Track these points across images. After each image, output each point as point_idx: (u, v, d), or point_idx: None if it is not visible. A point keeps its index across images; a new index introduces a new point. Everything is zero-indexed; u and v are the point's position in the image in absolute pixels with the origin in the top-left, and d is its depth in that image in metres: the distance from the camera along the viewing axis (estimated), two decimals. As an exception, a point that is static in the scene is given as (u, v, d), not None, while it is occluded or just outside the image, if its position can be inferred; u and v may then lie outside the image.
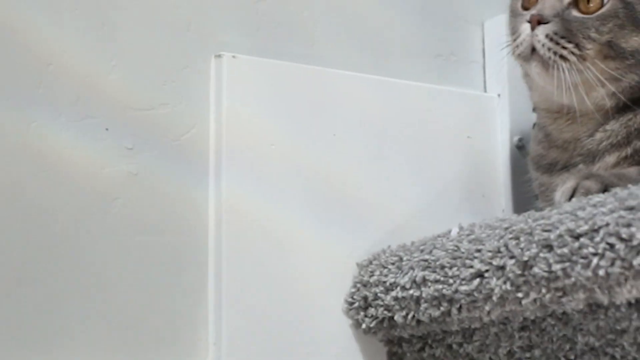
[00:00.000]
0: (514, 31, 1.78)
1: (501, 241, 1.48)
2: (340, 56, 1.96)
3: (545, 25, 1.68)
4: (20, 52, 1.62)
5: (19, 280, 1.55)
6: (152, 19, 1.77)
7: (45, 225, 1.57)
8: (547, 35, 1.67)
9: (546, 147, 1.86)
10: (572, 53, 1.66)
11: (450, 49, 2.05)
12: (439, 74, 2.02)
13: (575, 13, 1.69)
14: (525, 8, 1.78)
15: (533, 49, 1.69)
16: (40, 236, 1.57)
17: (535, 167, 1.89)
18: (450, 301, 1.56)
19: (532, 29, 1.68)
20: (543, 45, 1.67)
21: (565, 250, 1.35)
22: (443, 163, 1.97)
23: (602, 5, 1.68)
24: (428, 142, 1.95)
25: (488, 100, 2.04)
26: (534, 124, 1.92)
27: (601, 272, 1.30)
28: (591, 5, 1.68)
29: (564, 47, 1.66)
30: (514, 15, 1.82)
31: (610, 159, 1.72)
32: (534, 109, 1.89)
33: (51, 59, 1.63)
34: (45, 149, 1.59)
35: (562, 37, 1.67)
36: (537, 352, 1.55)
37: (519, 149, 2.01)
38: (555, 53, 1.66)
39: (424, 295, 1.60)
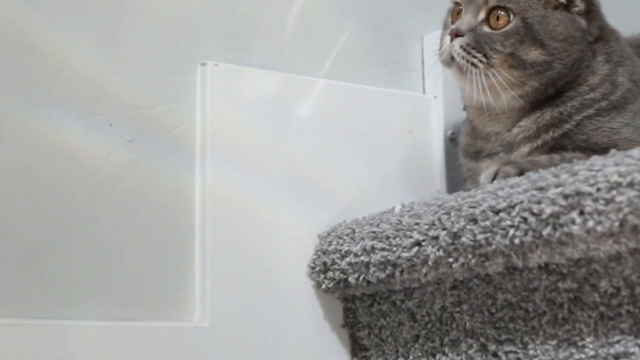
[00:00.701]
0: (441, 42, 1.80)
1: (435, 216, 1.50)
2: (305, 64, 1.95)
3: (461, 38, 1.71)
4: (38, 60, 1.62)
5: (40, 247, 1.55)
6: (149, 33, 1.76)
7: (61, 204, 1.58)
8: (461, 46, 1.70)
9: (473, 138, 1.86)
10: (481, 61, 1.68)
11: (395, 58, 2.05)
12: (386, 79, 2.02)
13: (485, 29, 1.72)
14: (453, 23, 1.80)
15: (452, 57, 1.71)
16: (56, 213, 1.57)
17: (464, 155, 1.89)
18: (394, 265, 1.57)
19: (451, 40, 1.72)
20: (458, 54, 1.70)
21: (488, 223, 1.38)
22: (389, 153, 1.97)
23: (508, 23, 1.70)
24: (377, 135, 1.96)
25: (426, 101, 2.05)
26: (464, 120, 1.92)
27: (516, 241, 1.33)
28: (500, 22, 1.71)
29: (474, 56, 1.69)
30: (444, 28, 1.84)
31: (525, 149, 1.74)
32: (464, 107, 1.89)
33: (64, 66, 1.63)
34: (59, 141, 1.59)
35: (473, 48, 1.69)
36: (465, 307, 1.55)
37: (452, 140, 2.02)
38: (467, 61, 1.69)
39: (372, 260, 1.61)
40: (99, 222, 1.63)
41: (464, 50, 1.71)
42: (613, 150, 1.42)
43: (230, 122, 1.79)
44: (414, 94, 2.08)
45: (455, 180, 2.01)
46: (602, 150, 1.61)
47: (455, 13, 1.82)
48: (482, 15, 1.75)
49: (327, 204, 1.85)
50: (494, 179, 1.60)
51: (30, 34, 1.63)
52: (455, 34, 1.73)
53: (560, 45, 1.75)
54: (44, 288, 1.56)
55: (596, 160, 1.31)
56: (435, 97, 2.09)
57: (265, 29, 1.93)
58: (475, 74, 1.69)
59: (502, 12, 1.74)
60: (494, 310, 1.51)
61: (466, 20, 1.75)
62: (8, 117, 1.57)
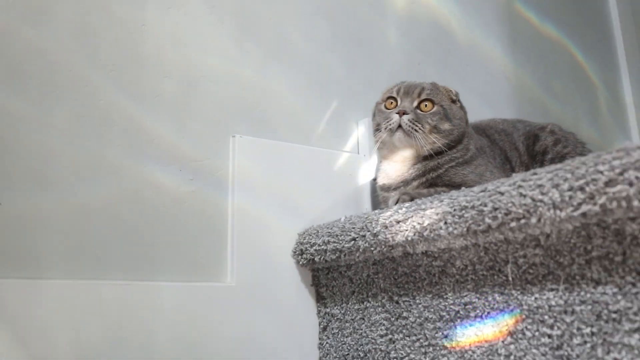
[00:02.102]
0: (384, 118, 1.82)
1: (364, 223, 1.59)
2: (296, 137, 2.00)
3: (407, 115, 1.76)
4: (136, 130, 1.71)
5: (140, 234, 1.65)
6: (203, 115, 1.82)
7: (151, 214, 1.67)
8: (409, 119, 1.75)
9: (385, 179, 1.89)
10: (419, 129, 1.74)
11: (343, 133, 2.08)
12: (338, 145, 2.06)
13: (419, 111, 1.78)
14: (387, 108, 1.85)
15: (399, 126, 1.75)
16: (149, 219, 1.66)
17: (380, 189, 1.92)
18: (340, 251, 1.66)
19: (400, 116, 1.76)
20: (406, 124, 1.74)
21: (393, 228, 1.48)
22: (338, 187, 2.01)
23: (432, 107, 1.79)
24: (332, 177, 2.00)
25: (360, 158, 2.06)
26: (380, 169, 1.93)
27: (409, 238, 1.44)
28: (427, 108, 1.79)
29: (416, 126, 1.75)
30: (380, 112, 1.87)
31: (415, 183, 1.81)
32: (380, 161, 1.93)
33: (153, 135, 1.72)
34: (150, 179, 1.68)
35: (415, 121, 1.75)
36: (380, 275, 1.63)
37: (373, 180, 2.03)
38: (412, 128, 1.74)
39: (328, 248, 1.69)
40: (173, 224, 1.70)
41: (411, 121, 1.75)
42: (463, 187, 1.48)
43: (248, 170, 1.84)
44: (353, 154, 2.09)
45: (375, 203, 2.02)
46: (457, 186, 1.71)
47: (389, 103, 1.85)
48: (415, 103, 1.80)
49: (303, 217, 1.89)
50: (397, 202, 1.67)
51: (132, 114, 1.70)
52: (403, 113, 1.77)
53: (458, 122, 1.82)
54: (140, 261, 1.63)
55: (454, 192, 1.40)
56: (364, 155, 2.08)
57: (270, 115, 1.97)
58: (417, 136, 1.74)
59: (429, 102, 1.80)
60: (396, 277, 1.59)
61: (406, 105, 1.79)
62: (122, 164, 1.65)
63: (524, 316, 1.28)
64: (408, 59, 2.45)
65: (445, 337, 1.45)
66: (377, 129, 1.87)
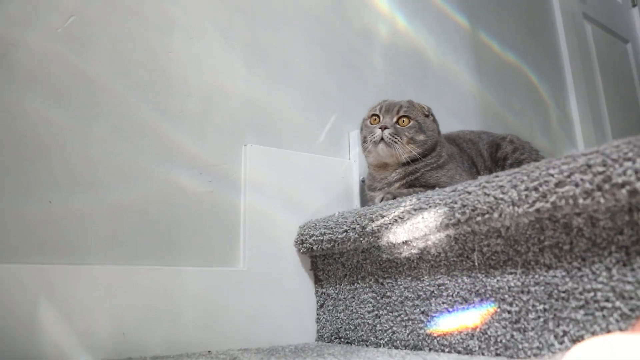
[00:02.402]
0: (369, 132, 1.82)
1: (354, 218, 1.60)
2: (297, 145, 1.98)
3: (387, 130, 1.77)
4: (165, 142, 1.71)
5: (168, 229, 1.65)
6: (219, 126, 1.80)
7: (177, 210, 1.67)
8: (390, 133, 1.76)
9: (372, 181, 1.89)
10: (398, 141, 1.76)
11: (337, 142, 2.08)
12: (333, 152, 2.05)
13: (398, 125, 1.78)
14: (372, 123, 1.85)
15: (381, 139, 1.76)
16: (175, 213, 1.66)
17: (368, 189, 1.91)
18: (334, 241, 1.66)
19: (382, 130, 1.77)
20: (387, 137, 1.75)
21: (378, 222, 1.50)
22: (333, 188, 1.98)
23: (409, 122, 1.79)
24: (328, 179, 1.97)
25: (351, 163, 2.05)
26: (368, 173, 1.94)
27: (392, 230, 1.45)
28: (404, 122, 1.79)
29: (395, 138, 1.75)
30: (366, 127, 1.86)
31: (396, 184, 1.81)
32: (368, 166, 1.92)
33: (177, 146, 1.73)
34: (174, 181, 1.68)
35: (395, 135, 1.76)
36: (368, 261, 1.62)
37: (362, 182, 2.06)
38: (392, 140, 1.75)
39: (324, 239, 1.69)
40: (194, 219, 1.70)
41: (391, 135, 1.76)
42: (437, 188, 1.56)
43: (257, 174, 1.84)
44: (345, 160, 2.05)
45: (363, 201, 2.03)
46: (432, 186, 1.72)
47: (373, 120, 1.85)
48: (395, 119, 1.80)
49: (304, 212, 1.89)
50: (382, 200, 1.69)
51: (160, 127, 1.71)
52: (385, 127, 1.78)
53: (431, 133, 1.82)
54: (167, 249, 1.63)
55: (429, 192, 1.42)
56: (354, 161, 2.07)
57: (276, 127, 1.97)
58: (396, 147, 1.75)
59: (406, 118, 1.80)
60: (381, 263, 1.59)
61: (387, 121, 1.79)
62: (152, 168, 1.66)
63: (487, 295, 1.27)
64: (391, 81, 2.45)
65: (422, 312, 1.44)
66: (364, 140, 1.87)
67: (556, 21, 3.75)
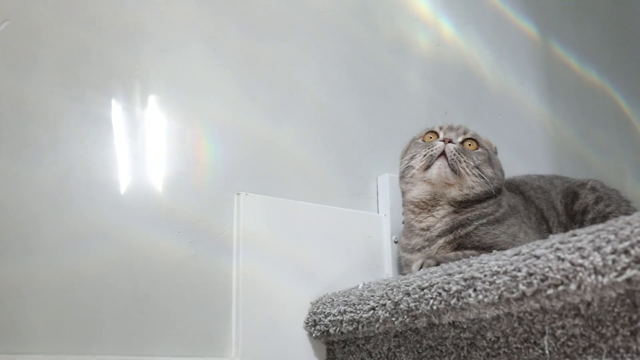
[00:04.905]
0: (423, 147, 1.84)
1: (384, 291, 1.59)
2: (304, 194, 2.00)
3: (453, 144, 1.78)
4: (142, 195, 1.71)
5: (138, 302, 1.64)
6: (205, 173, 1.83)
7: (150, 280, 1.66)
8: (455, 148, 1.77)
9: (408, 238, 1.89)
10: (464, 161, 1.76)
11: (360, 190, 2.09)
12: (355, 204, 2.07)
13: (463, 147, 1.82)
14: (424, 140, 1.88)
15: (442, 154, 1.77)
16: (148, 287, 1.66)
17: (402, 250, 1.92)
18: (358, 322, 1.65)
19: (445, 143, 1.78)
20: (451, 151, 1.76)
21: (416, 295, 1.48)
22: (356, 250, 2.01)
23: (477, 148, 1.83)
24: (349, 238, 2.00)
25: (379, 218, 2.10)
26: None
27: (434, 307, 1.43)
28: (471, 147, 1.83)
29: (462, 157, 1.76)
30: (417, 144, 1.89)
31: (441, 241, 1.82)
32: (405, 210, 1.93)
33: (149, 198, 1.73)
34: (148, 242, 1.68)
35: (462, 153, 1.77)
36: (402, 348, 1.61)
37: (395, 242, 2.06)
38: (457, 159, 1.75)
39: (344, 319, 1.69)
40: (171, 293, 1.70)
41: (456, 150, 1.77)
42: (494, 250, 1.51)
43: (255, 232, 1.84)
44: (371, 213, 2.11)
45: (398, 267, 2.03)
46: (488, 248, 1.72)
47: (429, 137, 1.88)
48: (460, 139, 1.83)
49: (317, 283, 1.89)
50: (421, 267, 1.67)
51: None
52: (449, 141, 1.79)
53: (499, 172, 1.86)
54: (134, 333, 1.62)
55: (484, 256, 1.40)
56: (385, 215, 2.10)
57: (278, 169, 1.99)
58: (460, 168, 1.75)
59: (473, 142, 1.84)
60: (421, 351, 1.57)
61: (452, 136, 1.83)
62: (114, 225, 1.64)
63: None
64: (433, 107, 2.48)
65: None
66: (408, 165, 1.89)
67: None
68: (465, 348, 1.48)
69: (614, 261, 1.10)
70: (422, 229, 1.88)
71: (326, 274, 1.95)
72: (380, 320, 1.60)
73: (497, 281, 1.31)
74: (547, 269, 1.22)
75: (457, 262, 1.49)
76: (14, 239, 1.52)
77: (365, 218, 2.09)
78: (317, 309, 1.83)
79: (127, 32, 1.81)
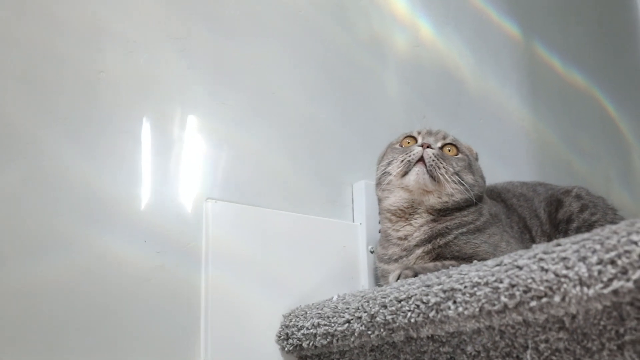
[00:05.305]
0: (400, 153, 1.85)
1: (360, 303, 1.59)
2: (277, 202, 2.00)
3: (432, 149, 1.78)
4: (102, 200, 1.71)
5: (97, 319, 1.62)
6: (174, 177, 1.82)
7: (113, 293, 1.65)
8: (433, 154, 1.77)
9: (385, 247, 1.91)
10: (443, 167, 1.76)
11: (335, 198, 2.10)
12: (330, 212, 2.07)
13: (443, 152, 1.83)
14: (401, 145, 1.89)
15: (420, 159, 1.77)
16: (109, 300, 1.65)
17: (379, 261, 1.92)
18: (332, 335, 1.65)
19: (424, 148, 1.79)
20: (430, 157, 1.77)
21: (393, 308, 1.48)
22: (330, 260, 2.01)
23: (457, 154, 1.85)
24: (323, 248, 2.01)
25: (355, 227, 2.10)
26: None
27: (412, 320, 1.43)
28: (450, 152, 1.85)
29: (441, 163, 1.77)
30: (395, 150, 1.90)
31: (419, 251, 1.83)
32: (382, 219, 1.94)
33: (112, 201, 1.72)
34: (112, 251, 1.67)
35: (441, 159, 1.77)
36: None
37: (371, 252, 2.06)
38: (436, 164, 1.76)
39: (318, 332, 1.69)
40: (137, 305, 1.69)
41: (435, 156, 1.77)
42: (475, 260, 1.53)
43: (225, 241, 1.84)
44: (347, 222, 2.11)
45: (374, 278, 2.04)
46: (469, 258, 1.72)
47: (407, 142, 1.90)
48: (439, 144, 1.84)
49: (289, 294, 1.89)
50: (398, 278, 1.67)
51: (88, 176, 1.70)
52: (427, 146, 1.80)
53: (480, 179, 1.87)
54: (98, 347, 1.61)
55: (464, 266, 1.40)
56: (360, 224, 2.10)
57: (250, 176, 1.99)
58: (440, 174, 1.75)
59: (453, 147, 1.85)
60: None
61: (431, 141, 1.84)
62: (77, 234, 1.63)
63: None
64: (411, 111, 2.49)
65: None
66: (384, 172, 1.90)
67: (642, 32, 3.78)
68: (444, 363, 1.51)
69: (600, 272, 1.10)
70: (400, 238, 1.89)
71: (299, 285, 1.95)
72: (356, 334, 1.60)
73: (478, 293, 1.31)
74: (530, 280, 1.22)
75: (436, 273, 1.50)
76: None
77: (340, 227, 2.11)
78: (290, 322, 1.83)
79: (91, 32, 1.80)
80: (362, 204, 2.14)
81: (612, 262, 1.09)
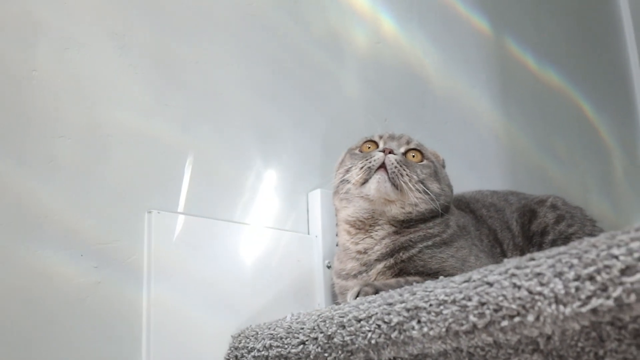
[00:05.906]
0: (360, 159, 1.83)
1: (315, 322, 1.59)
2: (223, 212, 2.00)
3: (394, 155, 1.78)
4: (28, 208, 1.69)
5: (26, 343, 1.60)
6: (112, 188, 1.81)
7: (44, 312, 1.63)
8: (396, 160, 1.76)
9: (343, 262, 1.91)
10: (406, 175, 1.75)
11: (288, 208, 2.11)
12: (283, 223, 2.07)
13: (406, 158, 1.83)
14: (361, 151, 1.89)
15: (382, 166, 1.76)
16: (40, 318, 1.62)
17: (336, 276, 1.92)
18: (286, 358, 1.64)
19: (386, 154, 1.78)
20: (392, 163, 1.76)
21: (352, 328, 1.48)
22: (283, 276, 2.01)
23: (422, 160, 1.85)
24: (275, 263, 2.00)
25: (310, 239, 2.11)
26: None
27: (373, 342, 1.43)
28: (415, 158, 1.85)
29: (403, 169, 1.76)
30: (354, 156, 1.89)
31: (380, 266, 1.83)
32: (339, 231, 1.94)
33: (47, 213, 1.70)
34: (43, 266, 1.65)
35: (404, 165, 1.77)
36: None
37: (328, 267, 2.07)
38: (399, 172, 1.75)
39: (270, 354, 1.69)
40: (72, 325, 1.67)
41: (398, 162, 1.76)
42: (441, 276, 1.50)
43: (168, 255, 1.84)
44: (301, 234, 2.11)
45: (331, 295, 2.04)
46: (434, 274, 1.71)
47: (367, 147, 1.90)
48: (402, 150, 1.85)
49: (239, 313, 1.89)
50: (357, 296, 1.66)
51: (18, 184, 1.68)
52: (389, 152, 1.79)
53: (446, 188, 1.87)
54: None
55: (429, 283, 1.40)
56: (316, 236, 2.10)
57: (195, 185, 1.98)
58: (402, 182, 1.74)
59: (417, 153, 1.85)
60: None
61: (393, 146, 1.84)
62: (6, 247, 1.61)
63: None
64: (371, 113, 2.49)
65: None
66: (343, 179, 1.90)
67: (624, 27, 3.79)
68: (408, 388, 1.53)
69: (577, 289, 1.10)
70: (359, 252, 1.88)
71: (250, 303, 1.95)
72: (312, 356, 1.61)
73: (444, 312, 1.31)
74: (501, 298, 1.22)
75: (398, 290, 1.50)
76: None
77: (294, 239, 2.11)
78: (239, 343, 1.83)
79: (23, 27, 1.79)
80: (318, 214, 2.14)
81: (591, 278, 1.09)
